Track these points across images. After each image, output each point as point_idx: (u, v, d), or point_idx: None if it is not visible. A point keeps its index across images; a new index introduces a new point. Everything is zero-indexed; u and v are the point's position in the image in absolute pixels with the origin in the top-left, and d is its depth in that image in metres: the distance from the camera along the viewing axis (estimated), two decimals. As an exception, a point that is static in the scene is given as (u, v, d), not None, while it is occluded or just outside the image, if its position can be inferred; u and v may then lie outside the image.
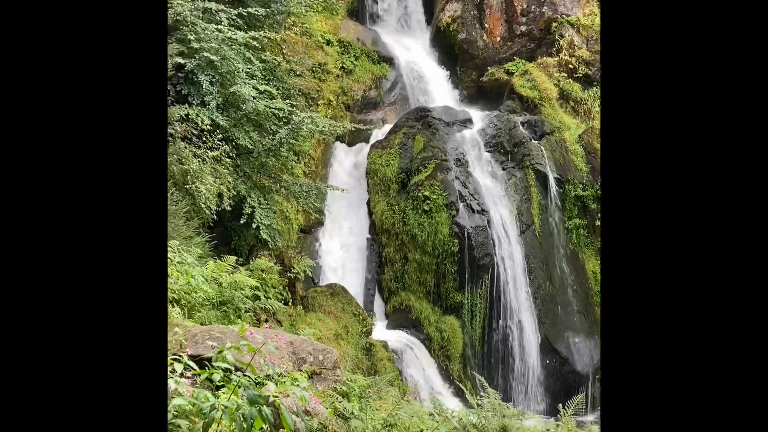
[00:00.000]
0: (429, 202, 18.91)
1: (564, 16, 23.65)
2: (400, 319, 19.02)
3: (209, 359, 5.78)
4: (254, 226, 15.10)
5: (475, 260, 18.65)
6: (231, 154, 14.74)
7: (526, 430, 8.85)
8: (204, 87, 14.23)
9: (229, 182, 14.29)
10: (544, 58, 23.14)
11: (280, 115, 15.59)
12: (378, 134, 21.63)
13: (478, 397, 9.93)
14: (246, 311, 12.11)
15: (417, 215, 18.98)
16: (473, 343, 18.73)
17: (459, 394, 17.03)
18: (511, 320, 18.88)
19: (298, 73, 19.25)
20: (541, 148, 20.58)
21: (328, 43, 21.74)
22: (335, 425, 7.42)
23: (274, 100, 15.53)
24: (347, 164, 20.98)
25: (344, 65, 21.81)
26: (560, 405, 10.04)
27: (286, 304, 16.10)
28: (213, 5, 14.77)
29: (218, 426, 5.16)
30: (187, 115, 14.02)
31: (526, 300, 19.14)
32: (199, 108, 14.30)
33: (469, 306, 18.77)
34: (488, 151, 20.64)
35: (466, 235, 18.68)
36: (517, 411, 9.48)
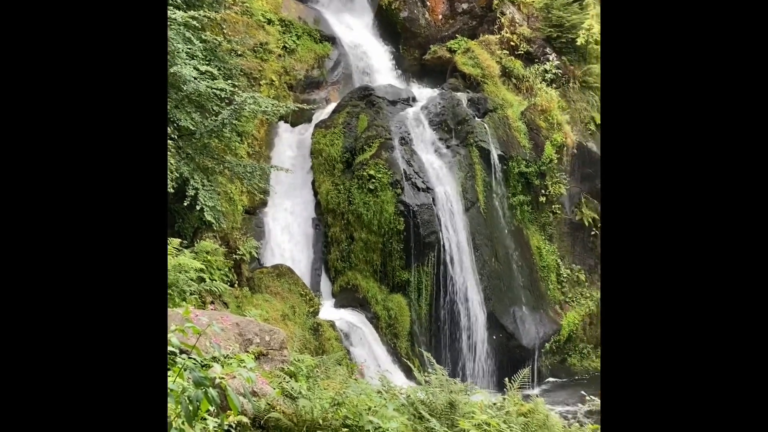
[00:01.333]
0: (374, 181, 18.90)
1: (505, -7, 23.76)
2: (347, 298, 19.03)
3: (154, 342, 5.72)
4: (198, 208, 14.98)
5: (421, 238, 18.70)
6: (173, 136, 14.59)
7: (473, 404, 8.91)
8: (143, 68, 14.01)
9: (171, 164, 14.14)
10: (486, 36, 23.23)
11: (222, 96, 15.45)
12: (322, 114, 21.54)
13: (426, 374, 9.98)
14: (191, 294, 12.05)
15: (362, 194, 18.96)
16: (420, 320, 18.82)
17: (407, 371, 17.12)
18: (458, 297, 19.00)
19: (239, 53, 19.08)
20: (485, 125, 20.68)
21: (270, 22, 21.54)
22: (283, 405, 7.43)
23: (215, 81, 15.37)
24: (291, 144, 20.86)
25: (286, 45, 21.65)
26: (507, 379, 10.13)
27: (231, 285, 16.03)
28: (151, -16, 14.54)
29: (164, 409, 5.12)
30: (127, 96, 13.81)
31: (472, 276, 19.27)
32: (140, 89, 14.08)
33: (416, 284, 18.84)
34: (432, 129, 20.67)
35: (411, 213, 18.71)
36: (464, 386, 9.54)
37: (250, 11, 21.04)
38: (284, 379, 8.02)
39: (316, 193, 19.99)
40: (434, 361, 10.63)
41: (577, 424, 9.39)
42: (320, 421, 7.21)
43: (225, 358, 6.59)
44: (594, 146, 22.00)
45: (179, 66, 14.31)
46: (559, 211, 21.50)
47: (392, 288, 18.87)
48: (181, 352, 5.57)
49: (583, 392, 14.33)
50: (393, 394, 9.15)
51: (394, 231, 18.72)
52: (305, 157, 20.50)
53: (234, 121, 15.50)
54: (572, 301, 21.39)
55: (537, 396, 10.47)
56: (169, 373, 5.36)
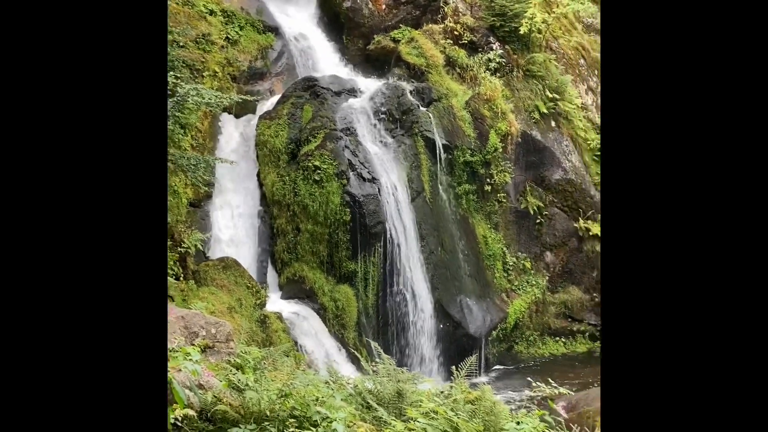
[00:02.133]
0: (319, 171, 18.84)
1: (448, -17, 23.83)
2: (294, 289, 18.97)
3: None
4: (142, 201, 14.79)
5: (367, 228, 18.70)
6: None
7: (421, 393, 8.93)
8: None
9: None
10: (430, 26, 23.27)
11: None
12: (266, 105, 21.40)
13: (373, 364, 9.98)
14: (136, 288, 11.88)
15: (308, 185, 18.90)
16: (368, 310, 18.83)
17: (355, 361, 17.14)
18: (405, 286, 19.04)
19: (181, 44, 18.87)
20: (429, 115, 20.72)
21: (211, 13, 21.33)
22: (229, 397, 7.38)
23: (157, 73, 15.18)
24: (235, 136, 20.71)
25: (229, 35, 21.46)
26: (454, 367, 10.18)
27: (177, 279, 15.89)
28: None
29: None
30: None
31: (418, 266, 19.33)
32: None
33: (363, 274, 18.84)
34: (377, 120, 20.66)
35: (357, 203, 18.70)
36: (411, 375, 9.56)
37: (192, 2, 20.83)
38: (231, 371, 7.97)
39: (261, 185, 19.88)
40: (382, 350, 10.63)
41: (524, 410, 9.45)
42: (267, 413, 7.18)
43: (170, 351, 6.52)
44: (538, 134, 22.16)
45: (120, 57, 14.10)
46: (504, 200, 21.64)
47: (339, 279, 18.84)
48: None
49: (529, 379, 14.44)
50: (341, 385, 9.14)
51: (340, 222, 18.69)
52: (250, 149, 20.37)
53: (177, 114, 15.34)
54: (518, 289, 21.56)
55: (484, 383, 10.53)
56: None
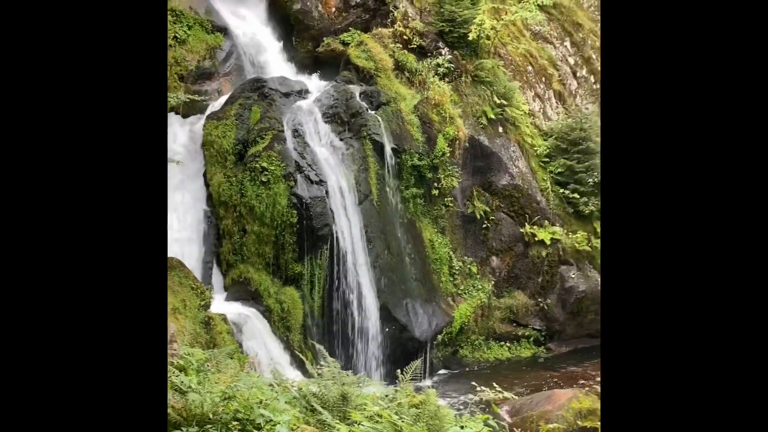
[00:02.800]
0: (267, 173, 18.76)
1: (398, -13, 23.89)
2: (239, 291, 18.86)
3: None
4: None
5: (314, 231, 18.66)
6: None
7: (366, 396, 8.93)
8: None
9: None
10: (379, 29, 23.29)
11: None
12: (214, 105, 21.26)
13: (318, 367, 9.96)
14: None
15: (255, 187, 18.80)
16: (313, 313, 18.77)
17: (299, 364, 17.08)
18: (351, 289, 19.02)
19: (128, 42, 18.65)
20: (378, 118, 20.73)
21: (160, 11, 21.10)
22: (172, 400, 7.30)
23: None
24: (182, 136, 20.53)
25: (177, 35, 21.28)
26: (399, 371, 10.18)
27: (120, 279, 15.66)
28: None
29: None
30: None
31: (365, 269, 19.31)
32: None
33: (309, 276, 18.78)
34: (325, 122, 20.63)
35: (304, 205, 18.65)
36: (356, 378, 9.56)
37: (140, 0, 20.58)
38: (174, 373, 7.89)
39: (207, 185, 19.73)
40: (327, 353, 10.61)
41: (468, 414, 9.48)
42: (210, 415, 7.11)
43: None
44: (485, 140, 22.28)
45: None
46: (451, 204, 21.72)
47: (285, 281, 18.77)
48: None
49: (474, 383, 14.51)
50: (285, 387, 9.10)
51: (287, 224, 18.63)
52: (197, 149, 20.21)
53: (122, 112, 15.16)
54: (464, 293, 21.65)
55: (429, 387, 10.57)
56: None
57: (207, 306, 17.32)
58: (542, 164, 23.36)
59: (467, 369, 21.03)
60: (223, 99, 21.26)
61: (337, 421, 7.73)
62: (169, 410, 7.14)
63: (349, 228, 19.21)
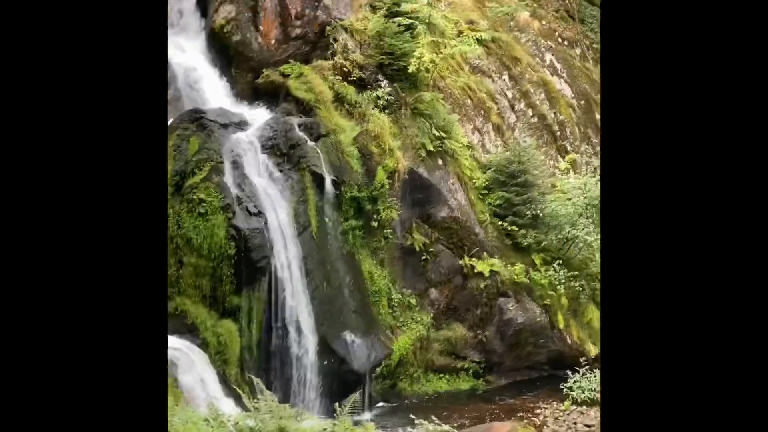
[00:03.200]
0: (204, 204, 18.60)
1: (338, 20, 24.00)
2: (175, 324, 18.55)
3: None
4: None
5: (253, 263, 18.51)
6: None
7: (304, 430, 8.84)
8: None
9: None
10: (320, 61, 23.33)
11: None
12: (151, 136, 21.03)
13: (255, 401, 9.85)
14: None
15: (192, 218, 18.61)
16: (251, 346, 18.58)
17: (237, 398, 16.84)
18: (289, 322, 18.88)
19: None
20: (317, 149, 20.70)
21: (97, 41, 20.92)
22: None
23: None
24: (119, 166, 20.26)
25: (114, 64, 21.06)
26: (337, 404, 10.10)
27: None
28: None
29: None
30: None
31: (304, 301, 19.19)
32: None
33: (247, 309, 18.61)
34: (264, 153, 20.54)
35: (243, 237, 18.51)
36: (294, 412, 9.47)
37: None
38: (106, 408, 7.72)
39: (144, 217, 19.45)
40: (264, 387, 10.51)
41: (406, 447, 9.43)
42: (143, 452, 6.95)
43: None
44: (425, 172, 22.36)
45: None
46: (390, 236, 21.71)
47: (222, 313, 18.55)
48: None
49: (413, 416, 14.45)
50: (221, 422, 8.97)
51: (224, 255, 18.46)
52: (133, 180, 19.94)
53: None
54: (403, 325, 21.60)
55: (368, 421, 10.50)
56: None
57: (142, 339, 17.02)
58: (481, 196, 23.51)
59: (406, 402, 20.94)
60: (161, 129, 21.04)
61: (274, 456, 7.63)
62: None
63: (287, 260, 19.10)
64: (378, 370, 20.41)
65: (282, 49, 23.97)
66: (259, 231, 18.74)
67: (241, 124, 21.31)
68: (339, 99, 22.51)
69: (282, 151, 20.60)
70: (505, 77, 27.51)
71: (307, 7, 23.98)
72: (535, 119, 27.49)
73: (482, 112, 25.72)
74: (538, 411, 19.51)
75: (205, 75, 23.47)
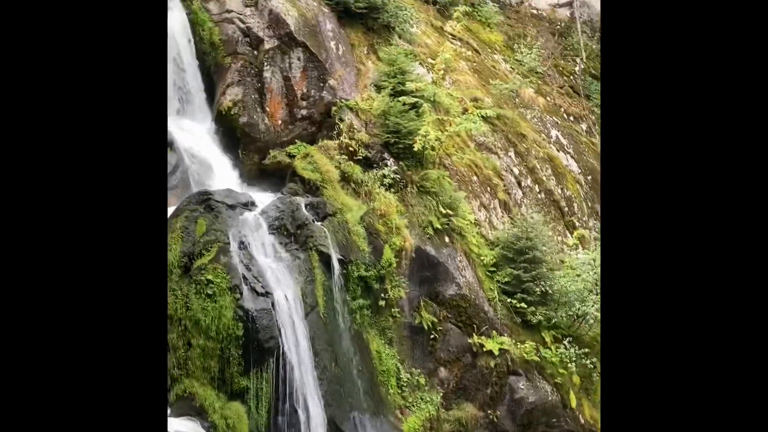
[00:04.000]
0: (212, 285, 18.58)
1: (343, 100, 24.24)
2: (184, 407, 18.40)
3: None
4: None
5: (260, 343, 18.42)
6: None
7: None
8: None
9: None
10: (325, 141, 23.52)
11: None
12: (159, 218, 21.09)
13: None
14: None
15: (200, 299, 18.58)
16: (259, 428, 18.37)
17: (245, 483, 16.63)
18: (298, 403, 18.69)
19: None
20: (324, 229, 20.73)
21: (106, 125, 21.14)
22: None
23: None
24: (126, 249, 20.30)
25: (122, 148, 21.25)
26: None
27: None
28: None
29: None
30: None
31: (312, 382, 19.02)
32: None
33: (255, 391, 18.45)
34: (271, 233, 20.57)
35: (250, 318, 18.45)
36: (303, 497, 9.32)
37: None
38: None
39: (152, 299, 19.42)
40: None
41: None
42: None
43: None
44: (432, 250, 22.35)
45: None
46: (398, 315, 21.61)
47: (230, 395, 18.38)
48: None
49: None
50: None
51: (232, 336, 18.37)
52: (141, 262, 19.95)
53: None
54: (412, 405, 21.36)
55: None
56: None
57: (150, 423, 16.85)
58: (489, 274, 23.44)
59: (417, 483, 20.60)
60: (169, 212, 21.13)
61: None
62: None
63: (295, 340, 18.98)
64: (387, 451, 20.15)
65: (288, 130, 24.21)
66: (266, 311, 18.68)
67: (248, 205, 21.38)
68: (345, 178, 22.61)
69: (289, 230, 20.64)
70: (511, 153, 27.67)
71: (312, 88, 24.28)
72: (542, 195, 27.56)
73: (489, 188, 25.80)
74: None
75: (212, 156, 23.66)
